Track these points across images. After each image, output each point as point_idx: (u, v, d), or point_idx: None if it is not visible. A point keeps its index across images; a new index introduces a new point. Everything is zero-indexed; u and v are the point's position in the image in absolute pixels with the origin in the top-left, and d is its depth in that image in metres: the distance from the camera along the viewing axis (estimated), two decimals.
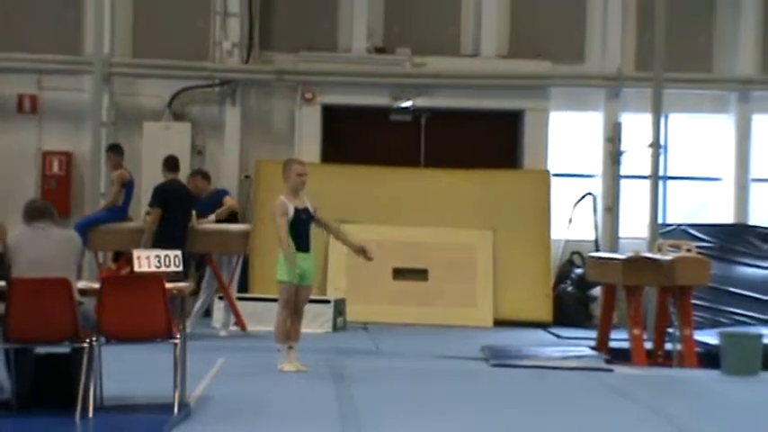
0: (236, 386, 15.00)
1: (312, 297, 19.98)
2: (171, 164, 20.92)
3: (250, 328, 21.00)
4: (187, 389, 12.91)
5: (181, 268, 14.14)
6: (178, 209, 20.27)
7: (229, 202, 22.18)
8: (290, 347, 16.65)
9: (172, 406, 12.18)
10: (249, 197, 25.66)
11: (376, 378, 16.56)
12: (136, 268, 13.59)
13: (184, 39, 26.35)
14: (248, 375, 16.13)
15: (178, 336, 12.59)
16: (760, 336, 19.27)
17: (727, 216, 26.95)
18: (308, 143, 26.10)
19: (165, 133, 25.56)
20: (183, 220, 20.30)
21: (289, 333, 16.70)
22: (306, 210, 16.66)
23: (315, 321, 21.89)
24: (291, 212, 16.47)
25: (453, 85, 26.75)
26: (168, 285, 12.84)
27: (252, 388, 15.01)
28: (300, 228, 16.56)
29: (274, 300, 17.57)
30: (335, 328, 22.37)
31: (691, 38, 26.55)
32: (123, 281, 13.72)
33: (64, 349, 12.36)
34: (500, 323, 24.18)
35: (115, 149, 22.03)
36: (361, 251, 17.34)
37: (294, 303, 16.72)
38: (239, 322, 21.08)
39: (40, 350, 12.56)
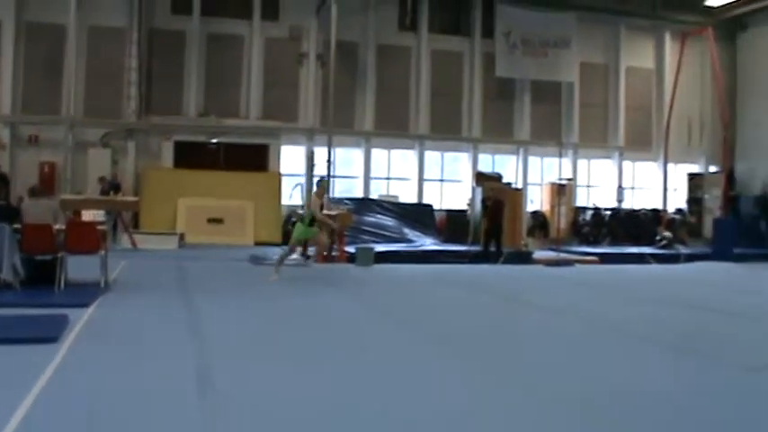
0: (131, 275, 15.32)
1: (165, 231, 20.50)
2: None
3: (138, 246, 20.98)
4: (107, 276, 13.09)
5: (103, 219, 14.58)
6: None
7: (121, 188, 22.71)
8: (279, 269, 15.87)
9: (100, 283, 12.68)
10: (139, 184, 25.14)
11: (200, 267, 17.22)
12: (83, 218, 13.98)
13: (111, 107, 25.66)
14: (137, 270, 16.29)
15: (103, 250, 13.00)
16: (372, 248, 20.33)
17: (359, 194, 27.48)
18: (167, 159, 25.92)
19: (98, 154, 25.10)
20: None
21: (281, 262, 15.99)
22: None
23: (169, 243, 22.10)
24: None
25: (237, 132, 26.52)
26: (98, 227, 13.29)
27: (138, 275, 15.34)
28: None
29: (154, 233, 17.82)
30: (179, 246, 22.30)
31: (344, 109, 26.84)
32: (77, 223, 13.98)
33: (48, 257, 12.59)
34: (257, 243, 24.18)
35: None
36: None
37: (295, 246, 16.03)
38: (133, 243, 21.03)
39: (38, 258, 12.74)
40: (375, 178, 28.23)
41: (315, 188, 16.44)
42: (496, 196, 22.89)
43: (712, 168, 31.27)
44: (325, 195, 16.48)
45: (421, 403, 6.32)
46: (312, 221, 15.28)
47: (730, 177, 30.01)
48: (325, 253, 19.98)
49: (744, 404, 6.59)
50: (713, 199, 29.74)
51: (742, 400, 6.69)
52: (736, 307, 13.42)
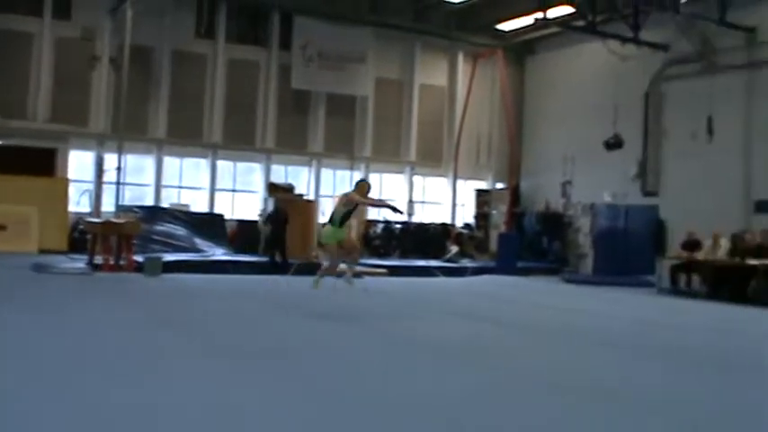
0: None
1: None
2: None
3: None
4: None
5: None
6: None
7: None
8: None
9: None
10: None
11: None
12: None
13: None
14: None
15: None
16: (161, 257, 20.23)
17: (150, 202, 27.08)
18: None
19: None
20: None
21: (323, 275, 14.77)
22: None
23: None
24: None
25: (23, 134, 25.59)
26: None
27: None
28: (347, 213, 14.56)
29: None
30: None
31: (137, 115, 26.57)
32: None
33: None
34: (42, 251, 23.37)
35: None
36: None
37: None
38: None
39: None
40: (166, 186, 27.94)
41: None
42: (280, 207, 23.56)
43: (499, 185, 32.94)
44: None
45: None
46: (342, 222, 14.10)
47: (515, 194, 31.73)
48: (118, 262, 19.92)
49: (504, 411, 7.14)
50: (499, 214, 31.35)
51: (492, 404, 7.25)
52: (507, 317, 14.39)
